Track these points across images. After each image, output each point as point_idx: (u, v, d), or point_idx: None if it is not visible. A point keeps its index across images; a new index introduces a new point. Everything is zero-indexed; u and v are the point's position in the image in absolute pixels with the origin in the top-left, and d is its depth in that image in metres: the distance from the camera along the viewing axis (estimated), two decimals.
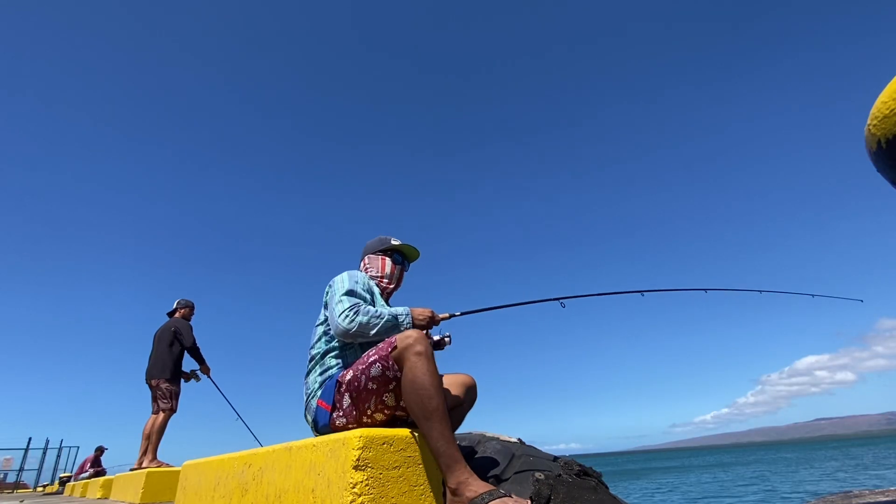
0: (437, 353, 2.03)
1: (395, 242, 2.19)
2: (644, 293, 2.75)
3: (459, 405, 1.97)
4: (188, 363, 5.47)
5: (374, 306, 1.89)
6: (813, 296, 3.45)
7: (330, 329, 1.88)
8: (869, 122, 1.47)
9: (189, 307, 5.62)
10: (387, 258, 2.17)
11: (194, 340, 5.35)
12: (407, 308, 1.89)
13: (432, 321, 1.94)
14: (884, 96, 1.46)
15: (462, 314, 2.11)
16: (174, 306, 5.60)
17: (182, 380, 5.40)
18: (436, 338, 2.08)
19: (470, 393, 2.01)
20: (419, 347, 1.57)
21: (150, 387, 5.17)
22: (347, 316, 1.76)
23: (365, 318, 1.76)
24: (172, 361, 5.21)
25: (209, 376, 5.59)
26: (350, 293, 1.86)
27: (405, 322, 1.84)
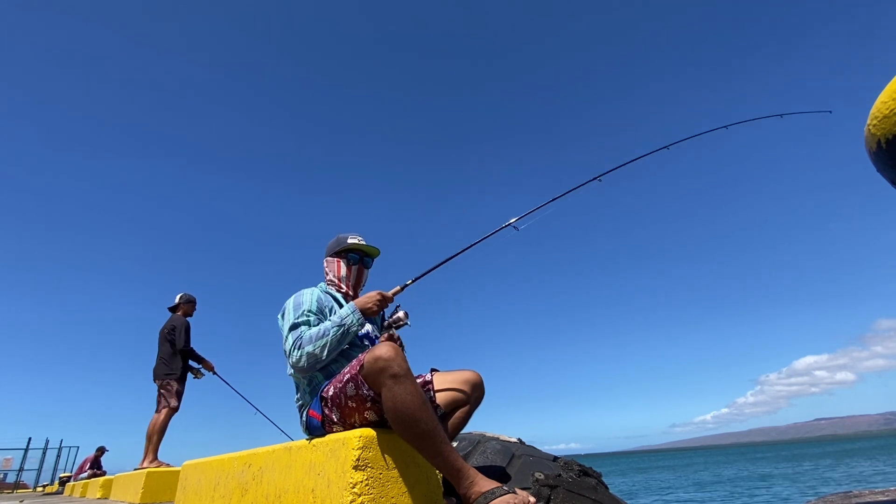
0: (409, 351, 1.97)
1: (350, 241, 2.08)
2: (601, 178, 2.63)
3: (465, 405, 1.91)
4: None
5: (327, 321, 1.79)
6: (781, 115, 3.47)
7: None
8: (869, 122, 1.47)
9: (191, 303, 5.54)
10: (340, 261, 2.07)
11: (186, 342, 5.22)
12: (351, 304, 1.81)
13: (383, 302, 1.85)
14: (884, 96, 1.47)
15: (414, 281, 1.99)
16: (176, 301, 5.52)
17: (191, 375, 5.34)
18: (394, 316, 1.93)
19: (476, 391, 1.94)
20: (395, 369, 1.48)
21: (158, 386, 5.18)
22: (292, 354, 1.70)
23: (310, 347, 1.68)
24: (176, 360, 5.18)
25: (215, 372, 5.48)
26: (293, 327, 1.76)
27: (353, 321, 1.76)
